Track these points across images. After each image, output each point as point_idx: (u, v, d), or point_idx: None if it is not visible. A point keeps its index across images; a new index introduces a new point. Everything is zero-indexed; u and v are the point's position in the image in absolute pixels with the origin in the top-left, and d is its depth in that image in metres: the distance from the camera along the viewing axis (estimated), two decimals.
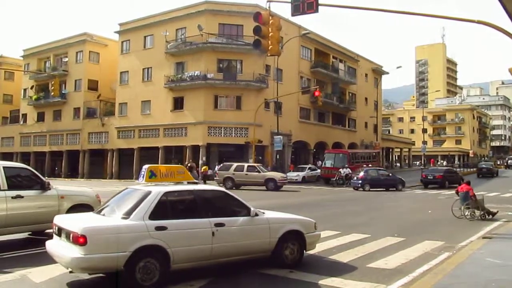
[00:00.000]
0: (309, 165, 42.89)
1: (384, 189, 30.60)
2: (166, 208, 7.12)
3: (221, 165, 32.44)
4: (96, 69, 53.37)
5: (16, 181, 9.76)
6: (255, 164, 31.79)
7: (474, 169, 58.66)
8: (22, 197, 9.55)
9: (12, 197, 9.37)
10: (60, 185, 11.50)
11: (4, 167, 9.58)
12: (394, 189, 30.98)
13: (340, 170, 35.21)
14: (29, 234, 10.72)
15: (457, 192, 16.13)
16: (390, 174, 33.95)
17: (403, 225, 14.01)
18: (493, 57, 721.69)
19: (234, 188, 28.35)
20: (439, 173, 34.83)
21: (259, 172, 30.06)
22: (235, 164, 30.96)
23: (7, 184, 9.38)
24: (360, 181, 30.81)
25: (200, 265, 7.30)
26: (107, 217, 7.11)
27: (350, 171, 35.07)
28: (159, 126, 44.43)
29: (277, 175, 30.81)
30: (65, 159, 53.60)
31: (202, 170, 35.29)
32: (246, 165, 31.17)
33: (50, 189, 10.19)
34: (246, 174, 29.72)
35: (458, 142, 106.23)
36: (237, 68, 42.64)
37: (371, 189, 29.97)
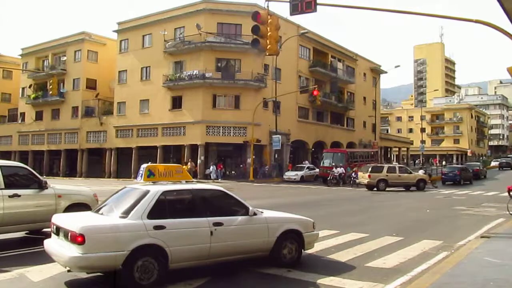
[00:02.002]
0: (308, 165, 42.90)
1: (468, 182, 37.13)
2: (164, 207, 7.11)
3: (371, 166, 31.84)
4: (94, 68, 53.31)
5: (13, 180, 9.74)
6: (404, 166, 32.79)
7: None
8: (19, 196, 9.53)
9: (9, 196, 9.35)
10: (58, 184, 11.48)
11: (1, 166, 9.56)
12: (468, 182, 37.17)
13: (334, 169, 34.78)
14: (26, 233, 10.71)
15: (509, 191, 16.11)
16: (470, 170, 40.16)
17: (402, 224, 14.01)
18: (492, 57, 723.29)
19: (386, 189, 29.32)
20: (476, 167, 43.47)
21: (410, 173, 31.29)
22: (386, 166, 31.68)
23: (4, 183, 9.36)
24: (458, 177, 35.68)
25: (199, 264, 7.29)
26: (105, 216, 7.10)
27: (344, 171, 34.92)
28: (158, 125, 44.40)
29: (425, 176, 32.06)
30: (63, 158, 53.56)
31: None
32: (397, 166, 32.17)
33: (47, 188, 10.17)
34: (399, 176, 30.14)
35: (456, 141, 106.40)
36: (235, 68, 42.61)
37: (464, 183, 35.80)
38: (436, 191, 29.01)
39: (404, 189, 29.97)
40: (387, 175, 29.65)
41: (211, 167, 38.32)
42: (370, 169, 30.21)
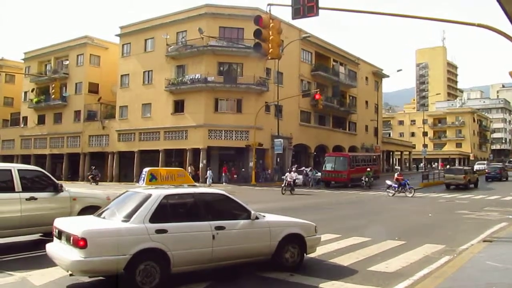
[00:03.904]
0: (310, 168, 42.75)
1: None
2: (166, 211, 7.12)
3: (464, 170, 37.22)
4: (96, 72, 53.44)
5: (30, 183, 9.97)
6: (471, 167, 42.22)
7: None
8: (36, 199, 9.73)
9: (27, 199, 9.58)
10: (72, 187, 11.66)
11: (18, 170, 9.80)
12: (505, 179, 44.25)
13: (287, 174, 30.99)
14: (40, 235, 10.80)
15: None
16: None
17: (404, 228, 13.99)
18: (494, 60, 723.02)
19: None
20: (499, 169, 47.72)
21: (475, 173, 39.18)
22: (467, 168, 38.85)
23: (21, 186, 9.58)
24: (499, 175, 41.22)
25: (201, 268, 7.29)
26: (108, 220, 7.11)
27: (298, 176, 32.58)
28: (160, 129, 44.45)
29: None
30: (66, 162, 53.62)
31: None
32: (470, 168, 40.53)
33: (62, 191, 10.40)
34: (473, 175, 36.98)
35: (459, 145, 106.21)
36: (237, 71, 42.66)
37: None
38: (436, 195, 28.95)
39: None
40: (469, 176, 35.36)
41: (208, 172, 37.83)
42: (464, 172, 35.67)
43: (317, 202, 24.02)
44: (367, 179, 35.44)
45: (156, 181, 8.30)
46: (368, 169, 36.98)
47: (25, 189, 9.63)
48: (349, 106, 58.54)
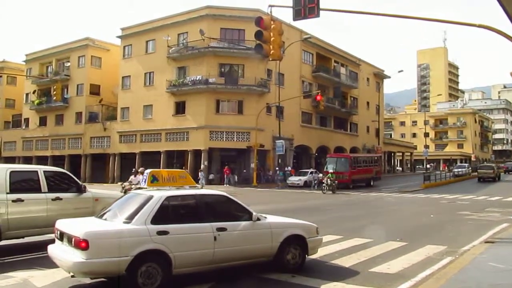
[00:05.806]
0: (311, 169, 42.73)
1: None
2: (168, 213, 7.12)
3: (493, 166, 47.37)
4: (98, 74, 53.54)
5: (55, 184, 10.33)
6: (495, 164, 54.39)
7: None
8: (61, 199, 10.12)
9: (52, 199, 9.95)
10: (94, 188, 11.99)
11: (44, 171, 10.20)
12: None
13: (131, 177, 22.20)
14: None
15: None
16: None
17: (405, 229, 13.96)
18: (495, 61, 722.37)
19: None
20: None
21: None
22: (494, 165, 48.59)
23: (47, 187, 9.95)
24: None
25: (202, 270, 7.28)
26: (109, 221, 7.12)
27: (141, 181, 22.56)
28: (161, 131, 44.49)
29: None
30: (67, 163, 53.57)
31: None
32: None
33: (85, 192, 10.76)
34: (497, 170, 47.01)
35: (460, 146, 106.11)
36: (238, 73, 42.70)
37: None
38: (438, 196, 28.91)
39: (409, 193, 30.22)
40: (496, 171, 45.28)
41: (199, 174, 37.46)
42: (492, 168, 45.85)
43: (318, 203, 24.00)
44: (329, 181, 31.03)
45: (157, 183, 8.29)
46: (331, 170, 32.95)
47: (50, 189, 10.04)
48: (350, 107, 58.54)
